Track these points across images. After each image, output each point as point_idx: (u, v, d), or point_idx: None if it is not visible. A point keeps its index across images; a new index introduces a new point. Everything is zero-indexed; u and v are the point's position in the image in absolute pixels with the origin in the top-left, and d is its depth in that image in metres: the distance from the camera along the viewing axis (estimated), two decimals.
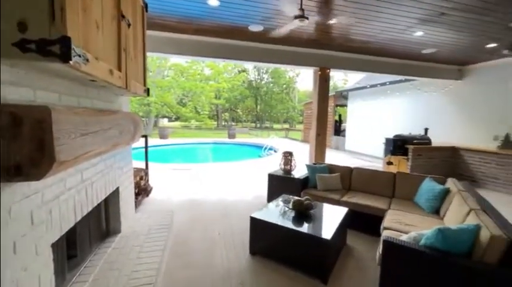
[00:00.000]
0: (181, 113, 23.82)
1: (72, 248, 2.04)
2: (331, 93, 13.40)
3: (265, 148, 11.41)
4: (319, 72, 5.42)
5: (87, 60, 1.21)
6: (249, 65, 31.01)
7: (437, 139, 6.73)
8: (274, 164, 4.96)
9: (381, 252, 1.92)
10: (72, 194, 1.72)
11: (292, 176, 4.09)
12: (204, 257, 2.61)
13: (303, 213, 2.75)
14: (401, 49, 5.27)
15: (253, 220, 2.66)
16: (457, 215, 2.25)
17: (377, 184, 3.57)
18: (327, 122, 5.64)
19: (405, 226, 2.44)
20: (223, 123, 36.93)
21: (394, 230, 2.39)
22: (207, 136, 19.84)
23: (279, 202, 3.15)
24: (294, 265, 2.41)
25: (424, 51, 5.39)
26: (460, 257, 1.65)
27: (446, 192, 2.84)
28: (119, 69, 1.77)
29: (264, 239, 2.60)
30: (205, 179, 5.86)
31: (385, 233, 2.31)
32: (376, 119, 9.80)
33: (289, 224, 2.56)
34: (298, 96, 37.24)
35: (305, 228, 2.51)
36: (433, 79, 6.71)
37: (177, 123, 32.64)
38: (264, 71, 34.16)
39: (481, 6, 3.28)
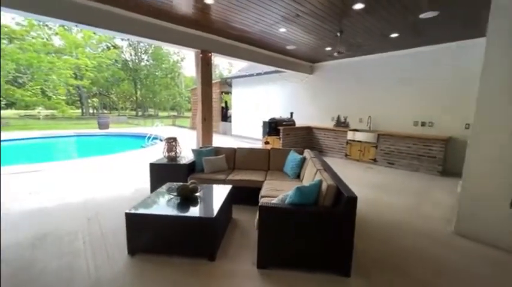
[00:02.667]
0: (17, 96, 16.97)
1: None
2: (216, 80, 13.70)
3: (149, 137, 10.25)
4: (201, 55, 5.30)
5: None
6: (119, 39, 26.21)
7: (299, 121, 8.42)
8: (160, 154, 4.53)
9: (257, 217, 2.16)
10: None
11: (177, 162, 3.87)
12: (58, 278, 2.02)
13: (188, 198, 2.66)
14: (272, 42, 6.02)
15: (130, 216, 2.30)
16: (309, 175, 2.89)
17: (256, 160, 4.02)
18: (212, 107, 5.70)
19: (276, 191, 2.88)
20: (91, 112, 29.81)
21: (269, 196, 2.77)
22: (66, 127, 15.38)
23: (163, 190, 2.90)
24: (181, 253, 2.31)
25: (287, 47, 6.41)
26: (310, 206, 2.12)
27: (303, 160, 3.60)
28: None
29: (145, 234, 2.32)
30: (65, 180, 4.53)
31: (262, 201, 2.63)
32: (256, 105, 10.99)
33: (173, 212, 2.41)
34: (185, 82, 35.64)
35: (191, 212, 2.44)
36: (295, 72, 8.21)
37: (10, 112, 23.25)
38: (143, 51, 30.03)
39: (321, 15, 4.21)
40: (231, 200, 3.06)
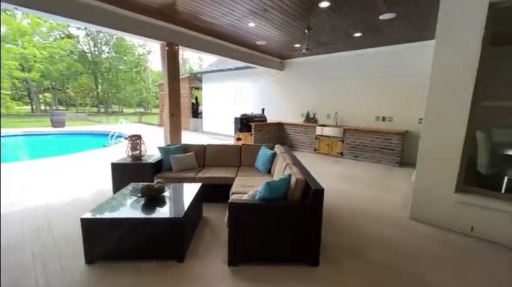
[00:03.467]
0: None
1: None
2: (185, 75, 13.20)
3: (113, 136, 9.54)
4: (167, 48, 5.03)
5: None
6: (74, 27, 23.87)
7: (271, 117, 8.51)
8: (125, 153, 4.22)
9: (227, 214, 2.12)
10: None
11: (142, 161, 3.64)
12: None
13: (154, 198, 2.52)
14: (242, 37, 5.94)
15: (86, 222, 2.11)
16: (280, 170, 2.93)
17: (227, 157, 3.95)
18: (180, 101, 5.46)
19: (247, 187, 2.87)
20: (43, 108, 26.83)
21: (240, 193, 2.74)
22: (12, 126, 13.65)
23: (126, 192, 2.71)
24: (148, 256, 2.19)
25: (258, 43, 6.39)
26: (280, 200, 2.14)
27: (274, 155, 3.63)
28: None
29: (105, 240, 2.14)
30: (12, 185, 4.00)
31: (232, 197, 2.59)
32: (228, 101, 10.83)
33: (137, 214, 2.26)
34: (152, 77, 33.82)
35: (157, 213, 2.31)
36: (266, 68, 8.24)
37: None
38: (103, 42, 27.74)
39: (289, 11, 4.25)
40: (201, 199, 2.97)
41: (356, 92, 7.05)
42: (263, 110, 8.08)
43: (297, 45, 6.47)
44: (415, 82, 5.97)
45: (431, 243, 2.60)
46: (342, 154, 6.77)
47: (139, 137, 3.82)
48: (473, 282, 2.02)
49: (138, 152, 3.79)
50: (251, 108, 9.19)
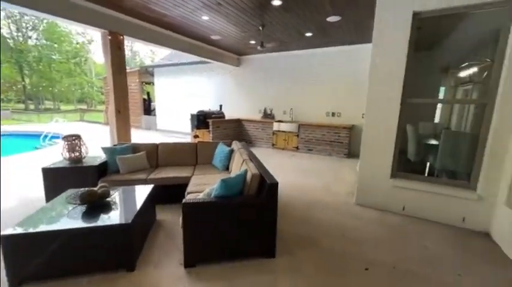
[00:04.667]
0: None
1: None
2: (135, 69, 12.16)
3: (46, 136, 8.27)
4: (110, 37, 4.53)
5: None
6: None
7: (229, 113, 8.44)
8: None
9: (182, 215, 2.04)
10: None
11: (83, 164, 3.24)
12: None
13: (97, 204, 2.27)
14: (196, 30, 5.70)
15: (9, 239, 1.78)
16: (237, 166, 2.93)
17: (182, 155, 3.78)
18: (128, 97, 5.00)
19: (204, 185, 2.79)
20: None
21: (196, 192, 2.65)
22: None
23: (62, 199, 2.38)
24: (92, 270, 1.96)
25: (213, 37, 6.22)
26: (236, 196, 2.14)
27: (232, 151, 3.62)
28: None
29: (36, 258, 1.84)
30: None
31: (188, 197, 2.50)
32: (183, 97, 10.35)
33: (76, 224, 2.00)
34: (96, 70, 30.26)
35: (101, 220, 2.08)
36: (223, 63, 8.10)
37: None
38: (30, 27, 23.65)
39: (243, 7, 4.23)
40: (154, 201, 2.79)
41: (308, 89, 7.45)
42: (221, 106, 7.97)
43: (253, 42, 6.51)
44: (359, 81, 6.59)
45: (373, 225, 2.93)
46: (297, 148, 7.11)
47: (78, 137, 3.38)
48: (404, 255, 2.35)
49: (77, 154, 3.35)
50: (208, 105, 8.97)
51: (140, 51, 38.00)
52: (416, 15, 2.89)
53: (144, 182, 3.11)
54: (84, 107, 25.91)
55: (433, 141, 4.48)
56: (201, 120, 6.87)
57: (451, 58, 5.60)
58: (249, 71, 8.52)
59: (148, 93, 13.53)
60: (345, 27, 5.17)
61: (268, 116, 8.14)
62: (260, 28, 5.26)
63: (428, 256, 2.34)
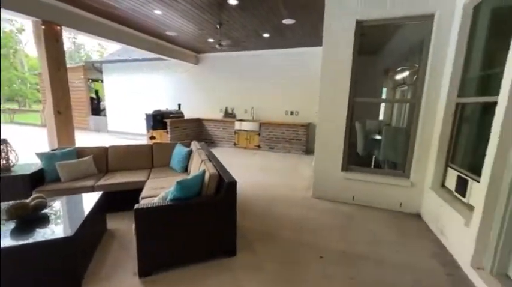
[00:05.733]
0: None
1: None
2: (79, 64, 10.91)
3: None
4: (43, 27, 3.97)
5: None
6: None
7: (189, 113, 8.17)
8: None
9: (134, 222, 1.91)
10: None
11: (12, 173, 2.79)
12: None
13: (31, 219, 1.98)
14: (149, 25, 5.35)
15: None
16: (196, 167, 2.85)
17: (136, 158, 3.54)
18: (69, 95, 4.46)
19: (160, 189, 2.66)
20: None
21: (151, 196, 2.51)
22: None
23: None
24: None
25: (168, 33, 5.93)
26: (195, 197, 2.09)
27: (190, 152, 3.51)
28: None
29: None
30: None
31: (142, 202, 2.35)
32: (137, 95, 9.65)
33: (3, 243, 1.72)
34: (28, 64, 26.19)
35: (36, 236, 1.82)
36: (180, 61, 7.78)
37: None
38: None
39: (198, 4, 4.12)
40: (103, 209, 2.55)
41: (268, 89, 7.63)
42: (179, 105, 7.65)
43: (211, 40, 6.40)
44: (314, 81, 6.98)
45: (327, 215, 3.16)
46: (259, 146, 7.24)
47: (4, 141, 2.89)
48: (353, 240, 2.59)
49: (4, 162, 2.87)
50: (166, 104, 8.53)
51: (86, 45, 34.07)
52: (359, 23, 3.19)
53: (91, 189, 2.82)
54: (15, 106, 22.24)
55: (378, 137, 5.01)
56: (158, 120, 6.50)
57: (390, 62, 6.33)
58: (209, 69, 8.35)
59: (96, 92, 12.27)
60: (299, 30, 5.43)
61: (229, 115, 8.11)
62: (217, 26, 5.20)
63: (372, 238, 2.63)
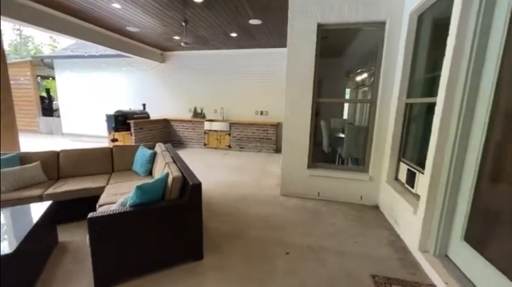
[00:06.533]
0: None
1: None
2: (26, 59, 9.74)
3: None
4: None
5: None
6: None
7: (155, 113, 7.79)
8: None
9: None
10: None
11: None
12: None
13: None
14: (106, 19, 4.97)
15: None
16: (160, 170, 2.73)
17: (93, 163, 3.27)
18: (11, 94, 3.95)
19: (120, 195, 2.50)
20: None
21: (110, 203, 2.34)
22: None
23: None
24: None
25: (129, 29, 5.58)
26: (157, 202, 2.00)
27: (154, 155, 3.35)
28: None
29: None
30: None
31: (99, 210, 2.18)
32: (96, 95, 8.94)
33: None
34: None
35: None
36: (144, 59, 7.37)
37: None
38: None
39: None
40: (53, 221, 2.32)
41: (238, 89, 7.62)
42: (144, 105, 7.25)
43: (177, 38, 6.17)
44: (283, 81, 7.13)
45: (294, 211, 3.25)
46: (229, 146, 7.20)
47: None
48: (317, 234, 2.71)
49: None
50: (129, 104, 8.02)
51: (35, 38, 30.46)
52: (320, 26, 3.33)
53: (39, 199, 2.54)
54: None
55: (341, 135, 5.30)
56: (120, 121, 6.08)
57: (352, 65, 6.74)
58: (176, 68, 8.05)
59: (48, 90, 11.08)
60: (266, 31, 5.50)
61: (198, 115, 7.92)
62: (183, 24, 5.04)
63: (335, 231, 2.78)
